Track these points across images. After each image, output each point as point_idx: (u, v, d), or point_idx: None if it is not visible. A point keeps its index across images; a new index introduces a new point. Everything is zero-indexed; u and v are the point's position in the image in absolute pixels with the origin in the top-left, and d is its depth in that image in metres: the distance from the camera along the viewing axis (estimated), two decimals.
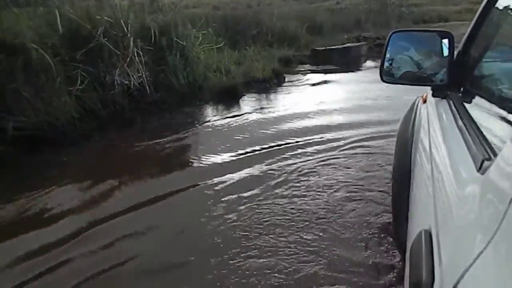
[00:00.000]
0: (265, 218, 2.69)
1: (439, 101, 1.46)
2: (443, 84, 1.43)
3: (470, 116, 1.06)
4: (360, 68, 10.19)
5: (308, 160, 3.67)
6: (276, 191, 3.08)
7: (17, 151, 4.09)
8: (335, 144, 4.10)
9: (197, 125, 5.44)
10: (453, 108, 1.24)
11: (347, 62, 10.47)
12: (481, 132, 0.88)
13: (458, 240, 0.63)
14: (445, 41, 1.44)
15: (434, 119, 1.37)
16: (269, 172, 3.45)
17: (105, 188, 3.38)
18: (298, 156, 3.81)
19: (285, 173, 3.40)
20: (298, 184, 3.18)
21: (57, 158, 4.17)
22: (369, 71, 8.94)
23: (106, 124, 5.18)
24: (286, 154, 3.87)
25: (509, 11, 1.14)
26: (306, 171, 3.43)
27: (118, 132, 5.10)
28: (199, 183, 3.35)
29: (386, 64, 1.55)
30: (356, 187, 3.09)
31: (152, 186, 3.46)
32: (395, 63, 1.56)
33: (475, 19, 1.41)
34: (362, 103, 5.99)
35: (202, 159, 3.96)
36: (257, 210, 2.80)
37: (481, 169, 0.71)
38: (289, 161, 3.67)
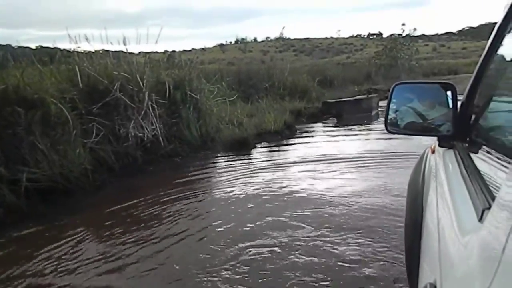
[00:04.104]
0: None
1: (446, 151, 1.46)
2: (449, 134, 1.44)
3: (475, 166, 1.05)
4: (371, 120, 10.26)
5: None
6: None
7: (30, 202, 4.13)
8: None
9: (207, 173, 5.46)
10: (459, 158, 1.24)
11: (358, 114, 10.57)
12: (484, 182, 0.88)
13: None
14: (449, 92, 1.46)
15: (440, 169, 1.37)
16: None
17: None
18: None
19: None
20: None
21: (69, 209, 4.19)
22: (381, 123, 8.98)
23: (118, 176, 5.23)
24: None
25: (510, 60, 1.15)
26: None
27: (130, 182, 5.12)
28: None
29: (391, 115, 1.56)
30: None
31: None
32: (399, 114, 1.57)
33: (476, 70, 1.42)
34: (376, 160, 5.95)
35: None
36: None
37: (481, 218, 0.71)
38: None
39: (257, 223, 3.47)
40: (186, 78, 7.15)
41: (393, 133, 1.61)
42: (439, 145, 1.55)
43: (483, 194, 0.81)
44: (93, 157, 5.26)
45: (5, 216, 3.90)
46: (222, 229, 3.42)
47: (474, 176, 0.97)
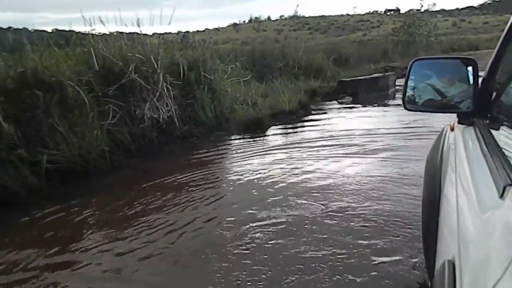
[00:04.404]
0: None
1: (466, 128, 1.45)
2: (469, 111, 1.42)
3: (496, 143, 1.04)
4: (387, 99, 10.11)
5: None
6: None
7: (50, 183, 4.25)
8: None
9: (221, 154, 5.51)
10: (479, 135, 1.23)
11: (374, 93, 10.43)
12: (506, 158, 0.87)
13: (478, 269, 0.61)
14: (469, 68, 1.43)
15: (460, 147, 1.35)
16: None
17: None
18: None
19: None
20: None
21: (88, 189, 4.30)
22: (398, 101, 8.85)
23: (134, 157, 5.32)
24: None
25: None
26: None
27: (146, 163, 5.21)
28: None
29: (409, 92, 1.55)
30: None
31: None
32: (417, 91, 1.56)
33: (498, 45, 1.38)
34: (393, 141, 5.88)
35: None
36: None
37: (503, 195, 0.70)
38: None
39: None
40: (200, 58, 7.12)
41: (411, 110, 1.58)
42: (459, 122, 1.53)
43: (505, 170, 0.80)
44: (110, 139, 5.35)
45: (27, 196, 4.03)
46: (236, 209, 3.46)
47: (495, 152, 0.96)
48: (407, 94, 1.55)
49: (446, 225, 1.12)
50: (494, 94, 1.40)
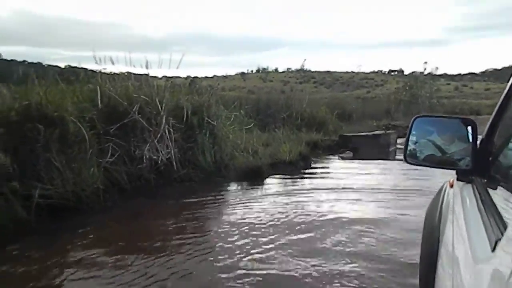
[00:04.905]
0: None
1: (464, 186, 1.49)
2: (468, 169, 1.46)
3: (492, 201, 1.07)
4: (387, 157, 10.12)
5: None
6: None
7: (39, 218, 4.14)
8: None
9: (218, 200, 5.41)
10: (477, 192, 1.27)
11: (375, 149, 10.47)
12: (500, 215, 0.89)
13: None
14: (469, 128, 1.48)
15: (458, 203, 1.39)
16: None
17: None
18: None
19: None
20: None
21: (78, 227, 4.18)
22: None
23: (129, 198, 5.24)
24: None
25: None
26: None
27: (139, 205, 5.11)
28: None
29: (410, 146, 1.59)
30: None
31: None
32: (419, 146, 1.60)
33: (497, 106, 1.44)
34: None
35: None
36: None
37: (495, 248, 0.73)
38: None
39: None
40: (204, 104, 7.23)
41: (412, 164, 1.62)
42: (458, 179, 1.57)
43: (497, 226, 0.83)
44: (106, 177, 5.30)
45: (14, 229, 3.91)
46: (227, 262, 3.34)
47: (490, 210, 0.99)
48: (409, 148, 1.59)
49: (442, 279, 1.14)
50: (493, 154, 1.44)
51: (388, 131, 12.35)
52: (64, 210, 4.47)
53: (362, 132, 11.71)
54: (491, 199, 1.09)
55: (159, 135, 6.18)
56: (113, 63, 6.98)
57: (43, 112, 4.79)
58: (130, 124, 5.94)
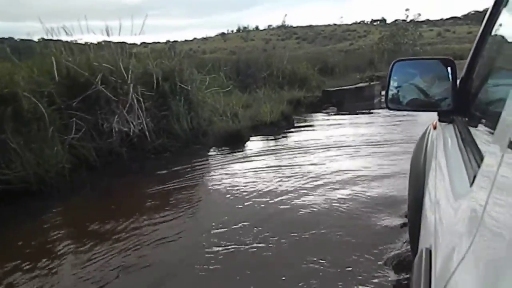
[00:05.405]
0: None
1: (446, 126, 1.51)
2: (449, 109, 1.47)
3: (473, 139, 1.08)
4: (372, 109, 9.85)
5: None
6: None
7: None
8: None
9: (196, 170, 5.11)
10: (457, 132, 1.29)
11: (359, 102, 10.17)
12: (479, 151, 0.89)
13: (448, 253, 0.64)
14: (449, 68, 1.47)
15: (440, 144, 1.43)
16: None
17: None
18: None
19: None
20: None
21: (41, 212, 3.86)
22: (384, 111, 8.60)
23: (99, 175, 4.90)
24: None
25: (505, 38, 1.17)
26: None
27: (110, 182, 4.79)
28: None
29: (391, 91, 1.57)
30: None
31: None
32: (400, 91, 1.58)
33: (475, 44, 1.44)
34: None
35: None
36: None
37: (473, 183, 0.73)
38: None
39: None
40: (176, 68, 6.76)
41: (394, 110, 1.64)
42: (440, 120, 1.59)
43: (476, 161, 0.84)
44: (73, 155, 4.93)
45: None
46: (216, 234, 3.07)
47: (470, 147, 1.00)
48: (390, 93, 1.57)
49: (426, 217, 1.16)
50: (472, 92, 1.44)
51: (372, 83, 12.01)
52: (26, 195, 4.12)
53: (345, 86, 11.35)
54: (472, 137, 1.10)
55: (127, 105, 5.76)
56: (87, 32, 6.43)
57: None
58: (94, 96, 5.49)
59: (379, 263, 2.45)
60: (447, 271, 0.57)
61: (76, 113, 5.26)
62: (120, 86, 5.74)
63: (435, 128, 1.74)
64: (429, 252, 0.80)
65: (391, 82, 1.57)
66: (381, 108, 9.72)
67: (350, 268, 2.42)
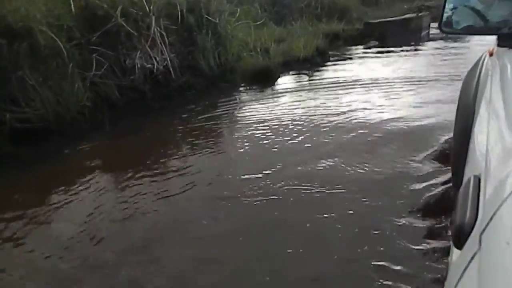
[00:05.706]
0: None
1: (506, 51, 1.37)
2: (511, 32, 1.35)
3: None
4: (420, 42, 8.95)
5: None
6: None
7: (16, 145, 3.74)
8: None
9: (223, 110, 4.85)
10: None
11: (405, 36, 9.25)
12: None
13: (500, 183, 0.63)
14: None
15: (497, 70, 1.33)
16: None
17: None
18: None
19: None
20: None
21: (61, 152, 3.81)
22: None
23: (122, 114, 4.76)
24: None
25: None
26: None
27: (133, 121, 4.65)
28: None
29: (447, 13, 1.50)
30: None
31: None
32: (456, 13, 1.50)
33: None
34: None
35: None
36: None
37: None
38: None
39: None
40: None
41: (448, 33, 1.63)
42: (499, 45, 1.47)
43: None
44: (95, 92, 4.78)
45: None
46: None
47: None
48: (445, 16, 1.50)
49: (477, 145, 1.13)
50: None
51: (420, 14, 10.87)
52: (47, 134, 4.05)
53: (390, 18, 10.34)
54: None
55: (150, 40, 5.44)
56: None
57: (4, 23, 4.12)
58: (115, 30, 5.19)
59: None
60: (498, 199, 0.57)
61: (97, 48, 5.03)
62: (141, 19, 5.39)
63: (491, 55, 1.63)
64: (478, 180, 0.77)
65: (447, 4, 1.50)
66: (429, 40, 8.83)
67: None
